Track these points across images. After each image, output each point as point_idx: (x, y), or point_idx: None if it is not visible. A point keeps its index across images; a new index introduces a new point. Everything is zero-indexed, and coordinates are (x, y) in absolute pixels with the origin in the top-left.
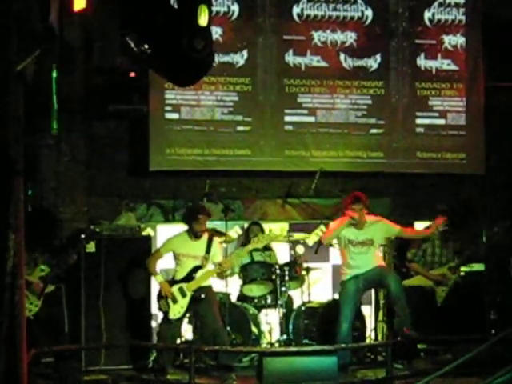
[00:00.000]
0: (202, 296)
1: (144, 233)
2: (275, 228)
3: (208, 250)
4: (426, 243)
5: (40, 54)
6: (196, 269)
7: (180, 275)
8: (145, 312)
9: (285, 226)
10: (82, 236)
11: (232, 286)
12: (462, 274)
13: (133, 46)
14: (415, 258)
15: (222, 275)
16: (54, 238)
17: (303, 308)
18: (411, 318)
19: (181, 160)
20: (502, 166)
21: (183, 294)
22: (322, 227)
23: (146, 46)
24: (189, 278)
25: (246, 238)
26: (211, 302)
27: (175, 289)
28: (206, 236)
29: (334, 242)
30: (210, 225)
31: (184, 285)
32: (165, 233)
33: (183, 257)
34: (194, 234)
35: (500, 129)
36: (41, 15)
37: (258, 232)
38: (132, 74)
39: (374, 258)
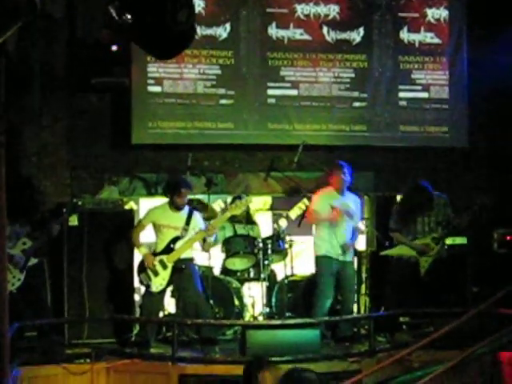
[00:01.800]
0: (183, 267)
1: (127, 206)
2: (258, 201)
3: (188, 222)
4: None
5: (22, 27)
6: (175, 240)
7: (160, 247)
8: (127, 285)
9: (268, 199)
10: (64, 209)
11: (215, 260)
12: (445, 246)
13: (115, 15)
14: (397, 226)
15: (204, 247)
16: (36, 212)
17: (286, 281)
18: (395, 290)
19: (163, 133)
20: (485, 139)
21: (164, 266)
22: (305, 201)
23: (129, 16)
24: (168, 249)
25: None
26: (193, 275)
27: (156, 261)
28: (186, 208)
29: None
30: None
31: (164, 257)
32: (147, 206)
33: (163, 228)
34: (175, 207)
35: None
36: None
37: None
38: (114, 48)
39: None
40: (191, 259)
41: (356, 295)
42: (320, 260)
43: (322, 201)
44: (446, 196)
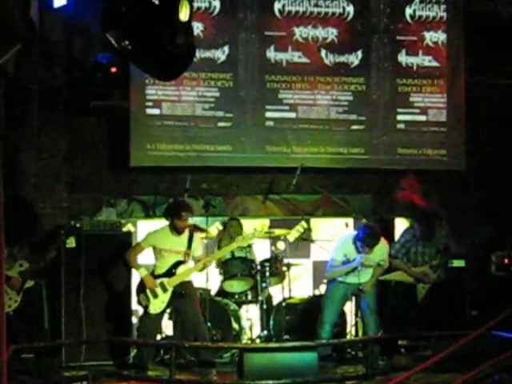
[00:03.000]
0: (183, 292)
1: (124, 229)
2: (257, 224)
3: (189, 246)
4: (410, 241)
5: (21, 49)
6: (177, 264)
7: (161, 270)
8: (125, 308)
9: (265, 222)
10: (62, 231)
11: (212, 282)
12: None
13: (114, 42)
14: (398, 255)
15: (202, 270)
16: (33, 233)
17: (284, 304)
18: (393, 313)
19: (162, 156)
20: (484, 163)
21: (164, 289)
22: (303, 223)
23: (127, 42)
24: (170, 273)
25: (225, 234)
26: (192, 297)
27: (156, 284)
28: (187, 231)
29: (315, 237)
30: (191, 221)
31: (165, 280)
32: (145, 229)
33: (165, 252)
34: (175, 230)
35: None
36: (21, 10)
37: (237, 227)
38: (113, 70)
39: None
40: (190, 282)
41: (354, 318)
42: (333, 285)
43: None
44: (447, 226)
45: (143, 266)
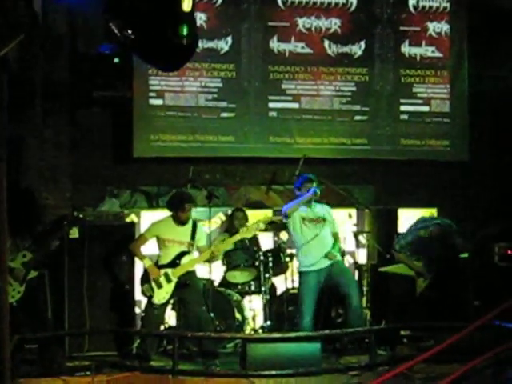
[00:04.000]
0: (188, 282)
1: (128, 219)
2: (260, 215)
3: (193, 236)
4: (417, 242)
5: (24, 40)
6: (181, 254)
7: (164, 260)
8: (128, 298)
9: (268, 212)
10: (65, 222)
11: (215, 272)
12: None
13: (116, 32)
14: (402, 250)
15: (208, 261)
16: (36, 224)
17: (287, 294)
18: (395, 304)
19: (165, 146)
20: (486, 153)
21: (168, 280)
22: None
23: (130, 32)
24: (174, 263)
25: (229, 224)
26: (196, 287)
27: (161, 274)
28: (190, 221)
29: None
30: (193, 211)
31: (169, 270)
32: (149, 219)
33: (169, 242)
34: (179, 221)
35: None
36: (25, 2)
37: (242, 218)
38: (116, 61)
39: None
40: (194, 272)
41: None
42: (305, 275)
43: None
44: (455, 225)
45: (147, 257)
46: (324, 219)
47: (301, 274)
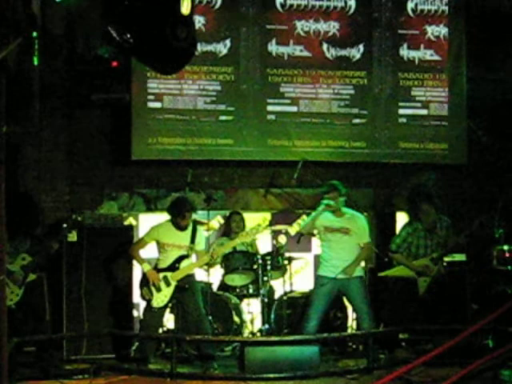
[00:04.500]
0: (187, 286)
1: (126, 222)
2: (258, 218)
3: (193, 240)
4: (412, 236)
5: (22, 42)
6: (181, 258)
7: (164, 264)
8: (127, 301)
9: (267, 215)
10: (64, 225)
11: (214, 276)
12: (444, 264)
13: (115, 35)
14: (399, 250)
15: (207, 264)
16: (35, 227)
17: (285, 298)
18: (394, 308)
19: (163, 149)
20: (484, 156)
21: (167, 283)
22: (304, 217)
23: (129, 36)
24: (173, 267)
25: (227, 227)
26: (194, 291)
27: (160, 277)
28: (190, 225)
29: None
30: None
31: (168, 274)
32: (147, 222)
33: (168, 246)
34: (178, 227)
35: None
36: (23, 3)
37: (240, 221)
38: (114, 63)
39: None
40: (192, 275)
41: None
42: (322, 279)
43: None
44: (447, 218)
45: (146, 261)
46: (348, 230)
47: (318, 277)
